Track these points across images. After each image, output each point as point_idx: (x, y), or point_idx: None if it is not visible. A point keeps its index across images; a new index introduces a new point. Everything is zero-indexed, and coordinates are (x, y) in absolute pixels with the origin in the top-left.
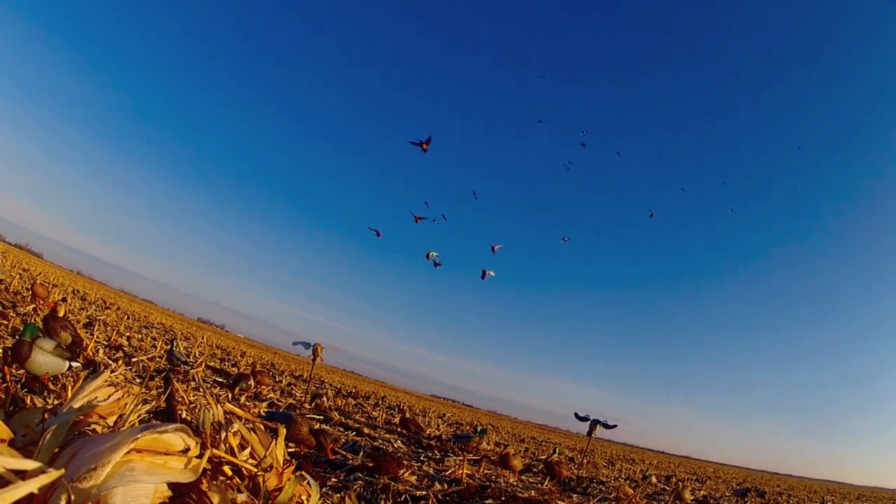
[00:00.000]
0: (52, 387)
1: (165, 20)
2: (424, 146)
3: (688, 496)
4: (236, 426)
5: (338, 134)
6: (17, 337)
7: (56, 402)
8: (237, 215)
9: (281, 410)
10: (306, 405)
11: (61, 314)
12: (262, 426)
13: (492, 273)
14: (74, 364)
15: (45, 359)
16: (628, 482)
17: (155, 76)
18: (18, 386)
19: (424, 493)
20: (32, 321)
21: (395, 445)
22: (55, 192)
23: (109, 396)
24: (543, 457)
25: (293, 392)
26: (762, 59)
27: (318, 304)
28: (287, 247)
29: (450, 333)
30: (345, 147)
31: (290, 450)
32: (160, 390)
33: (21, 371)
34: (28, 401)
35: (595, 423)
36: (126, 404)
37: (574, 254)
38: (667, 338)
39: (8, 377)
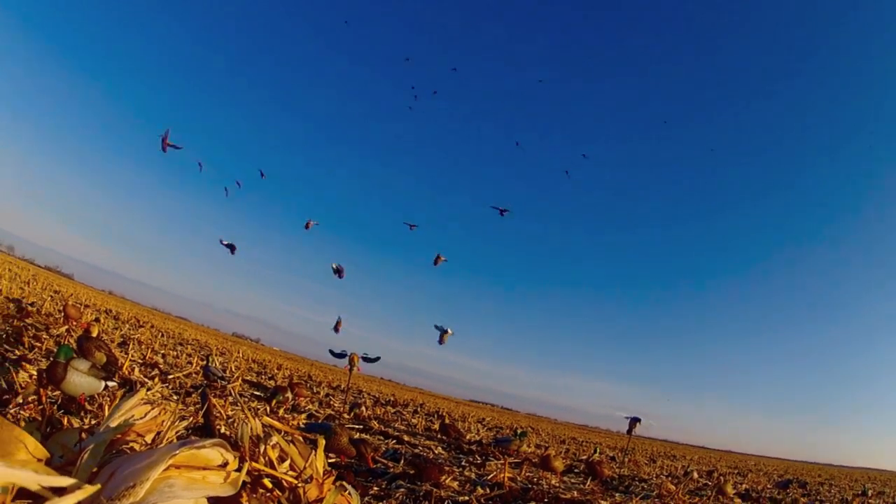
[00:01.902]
0: (88, 407)
1: (175, 26)
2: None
3: (730, 490)
4: (275, 439)
5: (377, 147)
6: (51, 359)
7: (93, 421)
8: (269, 230)
9: (320, 422)
10: (345, 415)
11: (95, 334)
12: (300, 438)
13: (444, 259)
14: (110, 383)
15: (80, 379)
16: (670, 479)
17: (178, 92)
18: (55, 407)
19: (467, 498)
20: (66, 342)
21: (436, 452)
22: (82, 213)
23: (146, 414)
24: (584, 457)
25: (331, 403)
26: (765, 56)
27: (352, 314)
28: (315, 257)
29: (486, 337)
30: (371, 154)
31: (330, 460)
32: (197, 406)
33: (57, 392)
34: (65, 421)
35: (635, 420)
36: (163, 421)
37: (607, 252)
38: (704, 332)
39: (44, 399)
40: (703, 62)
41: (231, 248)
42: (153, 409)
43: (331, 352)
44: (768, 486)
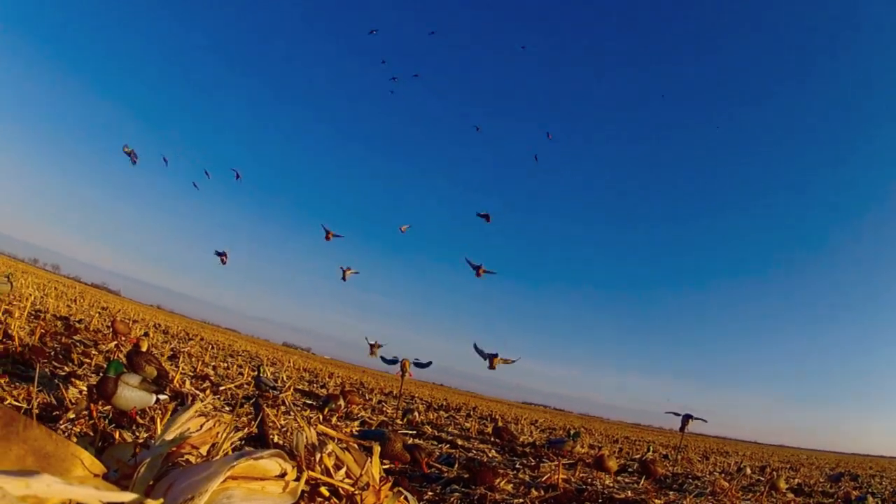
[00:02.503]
0: (140, 420)
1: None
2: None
3: (782, 485)
4: (330, 447)
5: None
6: (101, 374)
7: (146, 435)
8: (312, 240)
9: (373, 428)
10: (398, 421)
11: (144, 349)
12: (355, 445)
13: (355, 272)
14: (161, 397)
15: (131, 393)
16: (723, 475)
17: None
18: (106, 422)
19: (521, 500)
20: (116, 358)
21: (490, 455)
22: (127, 230)
23: (201, 426)
24: (638, 456)
25: (384, 409)
26: (772, 56)
27: (400, 320)
28: (360, 265)
29: (538, 338)
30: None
31: (384, 466)
32: (250, 417)
33: (108, 407)
34: (117, 435)
35: (687, 417)
36: (218, 433)
37: (653, 248)
38: (753, 326)
39: (94, 414)
40: (708, 61)
41: (222, 256)
42: (208, 420)
43: (382, 358)
44: (820, 479)
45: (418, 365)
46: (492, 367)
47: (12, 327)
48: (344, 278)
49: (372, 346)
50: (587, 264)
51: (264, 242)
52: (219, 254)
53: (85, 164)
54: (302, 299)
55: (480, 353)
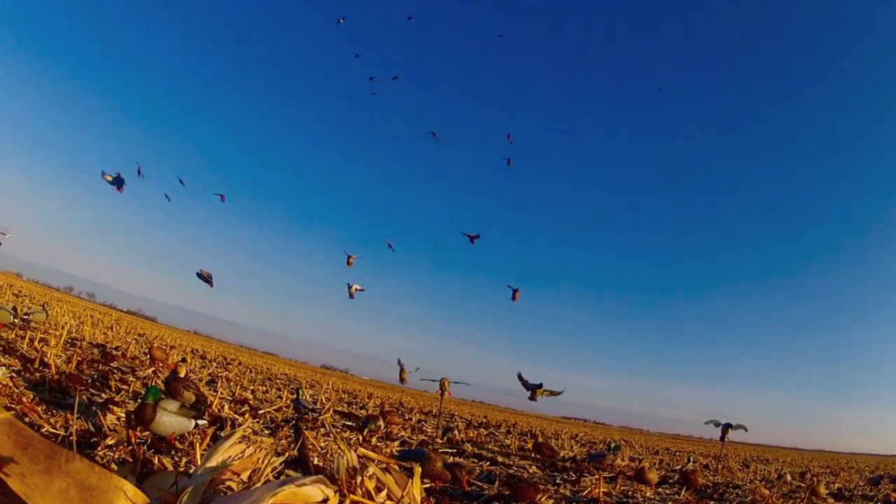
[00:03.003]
0: (179, 445)
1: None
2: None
3: (823, 490)
4: (371, 469)
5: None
6: (139, 401)
7: (185, 460)
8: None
9: (413, 448)
10: (438, 440)
11: (182, 374)
12: (396, 466)
13: (360, 288)
14: (200, 422)
15: (170, 419)
16: (763, 483)
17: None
18: (145, 448)
19: None
20: (154, 384)
21: (531, 471)
22: (160, 255)
23: (243, 452)
24: (678, 467)
25: (424, 428)
26: (784, 62)
27: (438, 337)
28: (400, 283)
29: (576, 350)
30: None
31: (425, 486)
32: (290, 440)
33: (146, 433)
34: (156, 461)
35: (727, 426)
36: (259, 458)
37: (691, 252)
38: (788, 330)
39: (133, 440)
40: (718, 66)
41: (208, 280)
42: (249, 446)
43: (422, 378)
44: (860, 483)
45: (457, 383)
46: (533, 398)
47: (49, 355)
48: (351, 296)
49: (402, 370)
50: (621, 272)
51: (300, 265)
52: (204, 276)
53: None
54: (340, 320)
55: (525, 383)
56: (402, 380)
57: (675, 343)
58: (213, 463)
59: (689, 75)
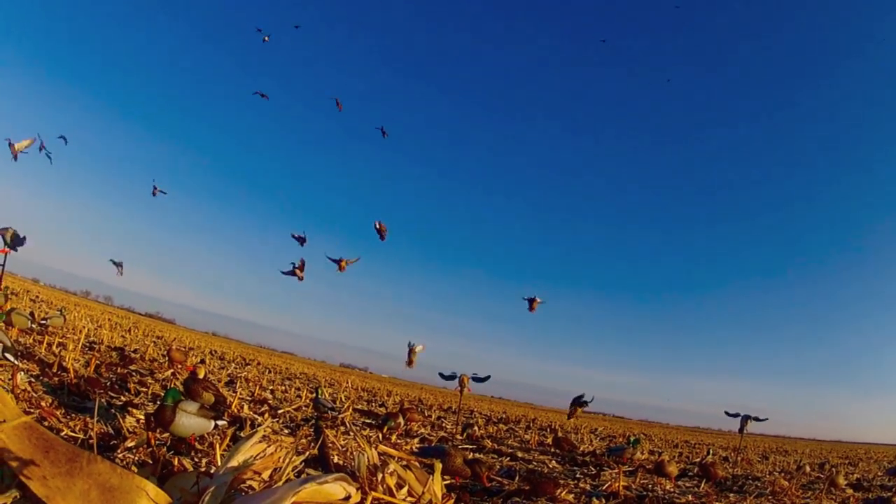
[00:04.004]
0: (199, 446)
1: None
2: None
3: (841, 481)
4: (392, 466)
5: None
6: (158, 403)
7: (206, 460)
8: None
9: (433, 444)
10: (458, 436)
11: (201, 375)
12: (416, 463)
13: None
14: (220, 422)
15: (189, 421)
16: (783, 474)
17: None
18: (165, 449)
19: None
20: (173, 386)
21: (551, 466)
22: (175, 257)
23: (264, 452)
24: (698, 459)
25: (443, 425)
26: (787, 60)
27: (456, 335)
28: (412, 280)
29: (594, 344)
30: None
31: (446, 482)
32: (310, 439)
33: (165, 435)
34: (175, 462)
35: (746, 418)
36: (280, 457)
37: (714, 246)
38: (808, 321)
39: (153, 442)
40: (718, 65)
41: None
42: (269, 445)
43: (440, 374)
44: (879, 473)
45: (476, 379)
46: (532, 309)
47: (67, 360)
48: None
49: (411, 350)
50: (638, 269)
51: (317, 264)
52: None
53: (125, 192)
54: (357, 317)
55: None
56: (409, 362)
57: (694, 337)
58: (234, 463)
59: (700, 73)
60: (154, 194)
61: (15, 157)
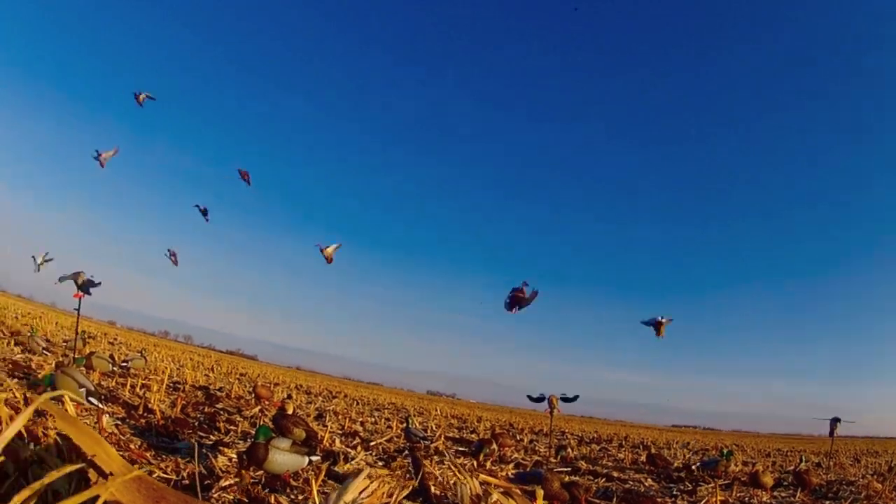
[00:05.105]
0: (293, 483)
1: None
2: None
3: None
4: (494, 495)
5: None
6: (247, 441)
7: (301, 497)
8: (445, 281)
9: (529, 469)
10: (552, 459)
11: (290, 411)
12: (517, 490)
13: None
14: (314, 458)
15: (282, 458)
16: (875, 476)
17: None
18: (259, 487)
19: None
20: (262, 423)
21: (646, 484)
22: (255, 294)
23: (368, 488)
24: (791, 467)
25: (536, 448)
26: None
27: (541, 352)
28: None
29: (686, 357)
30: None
31: None
32: (404, 470)
33: (259, 473)
34: (272, 500)
35: (835, 421)
36: (383, 493)
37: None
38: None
39: (247, 480)
40: (732, 64)
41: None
42: (372, 481)
43: (529, 397)
44: None
45: (565, 400)
46: (659, 334)
47: (152, 401)
48: (329, 260)
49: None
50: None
51: (404, 294)
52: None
53: (205, 238)
54: (445, 346)
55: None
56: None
57: (795, 340)
58: (345, 499)
59: (715, 75)
60: (140, 103)
61: (102, 165)
